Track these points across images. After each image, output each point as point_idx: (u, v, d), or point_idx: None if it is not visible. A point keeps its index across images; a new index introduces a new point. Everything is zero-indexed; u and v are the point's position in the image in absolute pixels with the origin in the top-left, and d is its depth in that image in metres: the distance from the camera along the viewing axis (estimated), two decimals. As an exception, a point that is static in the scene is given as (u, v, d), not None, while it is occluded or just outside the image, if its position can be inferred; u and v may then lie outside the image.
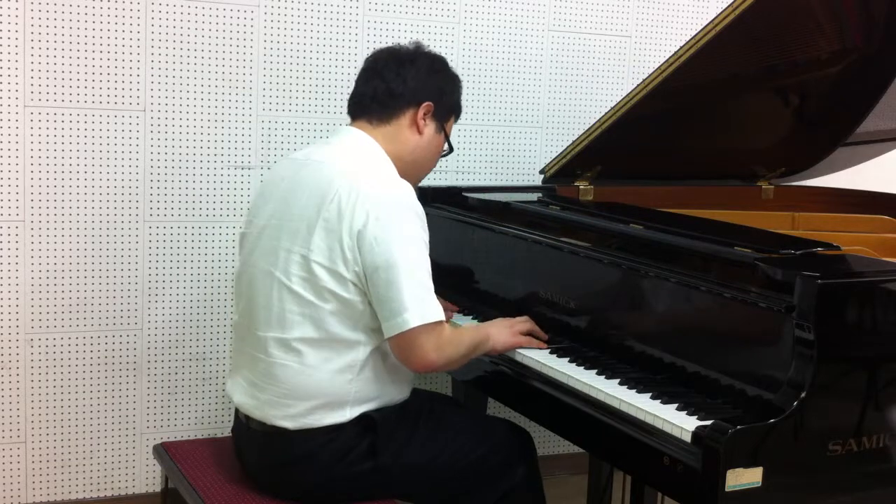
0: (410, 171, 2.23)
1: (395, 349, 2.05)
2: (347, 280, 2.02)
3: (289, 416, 2.07)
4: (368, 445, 2.08)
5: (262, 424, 2.11)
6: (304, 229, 2.05)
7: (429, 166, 2.32)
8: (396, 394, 2.16)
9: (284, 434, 2.08)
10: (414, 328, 1.99)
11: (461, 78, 2.33)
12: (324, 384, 2.06)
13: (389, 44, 2.30)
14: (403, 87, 2.21)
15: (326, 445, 2.07)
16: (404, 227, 2.03)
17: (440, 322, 2.04)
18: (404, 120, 2.21)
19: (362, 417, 2.09)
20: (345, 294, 2.02)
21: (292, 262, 2.06)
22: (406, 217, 2.04)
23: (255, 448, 2.14)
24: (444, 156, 2.34)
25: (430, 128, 2.24)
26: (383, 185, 2.06)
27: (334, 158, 2.13)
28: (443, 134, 2.29)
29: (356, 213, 2.01)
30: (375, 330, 2.06)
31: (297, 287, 2.05)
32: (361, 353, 2.07)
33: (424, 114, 2.22)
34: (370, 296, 2.03)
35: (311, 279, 2.04)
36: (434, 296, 2.05)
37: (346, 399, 2.07)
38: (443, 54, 2.30)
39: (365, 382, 2.08)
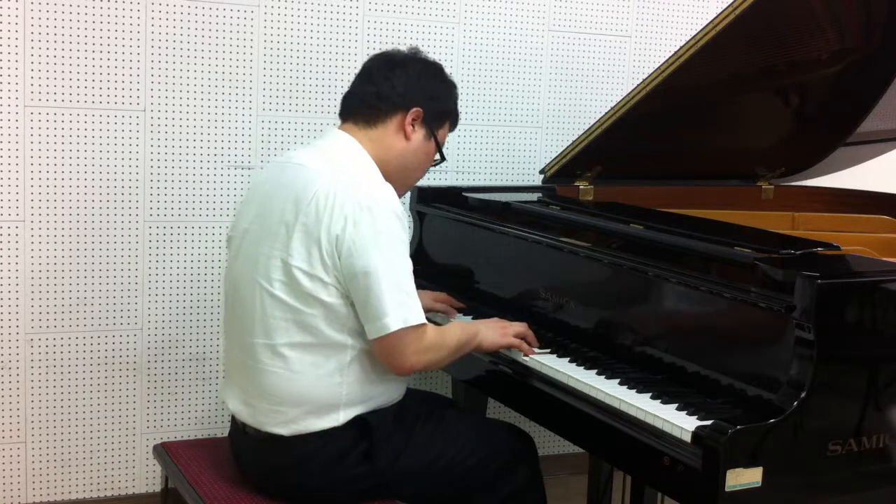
0: (396, 177, 2.17)
1: (377, 352, 2.05)
2: (329, 284, 2.00)
3: (282, 423, 2.06)
4: (365, 449, 2.07)
5: (258, 431, 2.10)
6: (284, 234, 2.03)
7: (417, 174, 2.27)
8: (390, 394, 2.13)
9: (280, 439, 2.07)
10: (395, 332, 1.98)
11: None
12: (313, 389, 2.04)
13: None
14: (391, 90, 2.16)
15: (322, 449, 2.06)
16: (383, 231, 1.99)
17: (422, 325, 2.03)
18: (391, 125, 2.17)
19: (357, 420, 2.07)
20: (327, 298, 2.01)
21: (273, 268, 2.04)
22: (385, 220, 2.00)
23: (252, 452, 2.14)
24: (436, 164, 2.29)
25: (418, 134, 2.19)
26: (361, 188, 2.02)
27: (315, 161, 2.10)
28: (433, 141, 2.23)
29: (334, 217, 1.98)
30: (361, 332, 2.04)
31: (280, 293, 2.03)
32: (348, 354, 2.05)
33: (413, 119, 2.17)
34: (352, 298, 2.02)
35: (292, 284, 2.02)
36: (416, 299, 2.03)
37: (337, 402, 2.06)
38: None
39: (355, 384, 2.06)
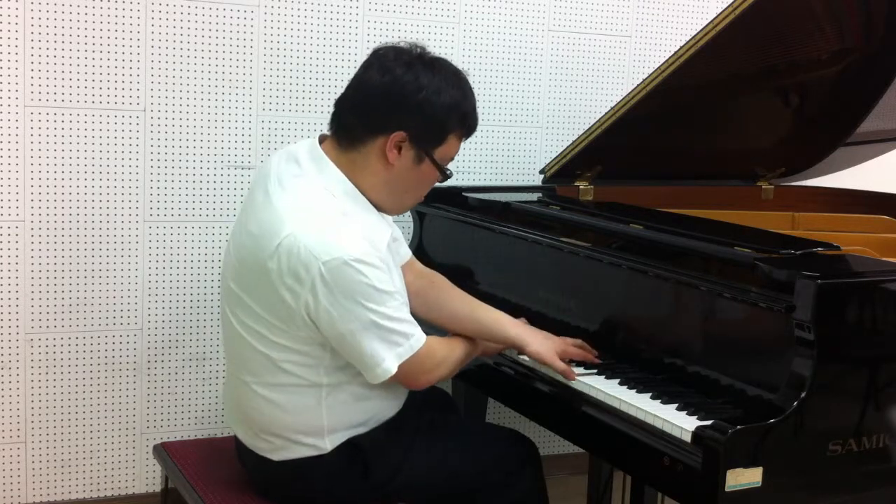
0: (385, 201, 2.02)
1: (392, 380, 2.00)
2: (300, 336, 1.93)
3: (268, 451, 2.04)
4: (361, 468, 2.03)
5: (252, 452, 2.09)
6: (252, 280, 1.95)
7: (411, 197, 2.08)
8: (380, 414, 2.07)
9: (272, 462, 2.05)
10: (397, 371, 1.94)
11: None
12: (295, 421, 2.00)
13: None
14: (375, 108, 1.95)
15: (315, 471, 2.03)
16: (356, 289, 1.86)
17: (423, 347, 1.96)
18: (373, 149, 1.96)
19: (348, 444, 2.03)
20: (297, 346, 1.95)
21: (241, 309, 1.98)
22: (356, 274, 1.86)
23: (251, 462, 2.13)
24: (442, 181, 2.07)
25: (405, 158, 1.97)
26: (327, 245, 1.85)
27: (288, 202, 1.94)
28: (427, 162, 1.99)
29: (300, 278, 1.86)
30: (335, 369, 1.98)
31: (248, 336, 1.98)
32: (324, 391, 1.99)
33: (398, 142, 1.95)
34: (341, 352, 1.95)
35: (260, 332, 1.96)
36: (408, 326, 1.95)
37: (319, 431, 2.01)
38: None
39: (336, 413, 2.00)
